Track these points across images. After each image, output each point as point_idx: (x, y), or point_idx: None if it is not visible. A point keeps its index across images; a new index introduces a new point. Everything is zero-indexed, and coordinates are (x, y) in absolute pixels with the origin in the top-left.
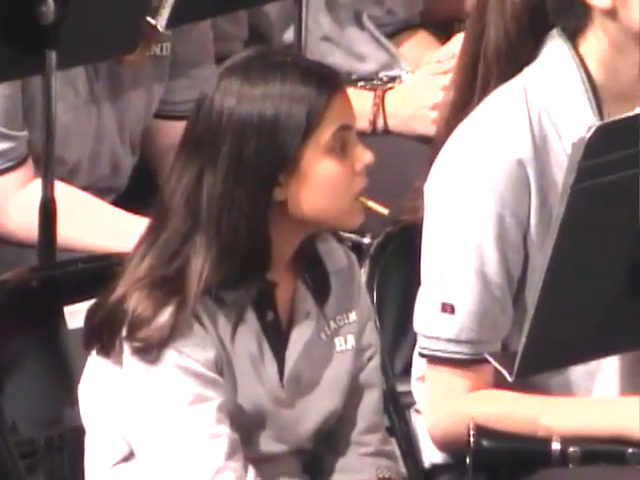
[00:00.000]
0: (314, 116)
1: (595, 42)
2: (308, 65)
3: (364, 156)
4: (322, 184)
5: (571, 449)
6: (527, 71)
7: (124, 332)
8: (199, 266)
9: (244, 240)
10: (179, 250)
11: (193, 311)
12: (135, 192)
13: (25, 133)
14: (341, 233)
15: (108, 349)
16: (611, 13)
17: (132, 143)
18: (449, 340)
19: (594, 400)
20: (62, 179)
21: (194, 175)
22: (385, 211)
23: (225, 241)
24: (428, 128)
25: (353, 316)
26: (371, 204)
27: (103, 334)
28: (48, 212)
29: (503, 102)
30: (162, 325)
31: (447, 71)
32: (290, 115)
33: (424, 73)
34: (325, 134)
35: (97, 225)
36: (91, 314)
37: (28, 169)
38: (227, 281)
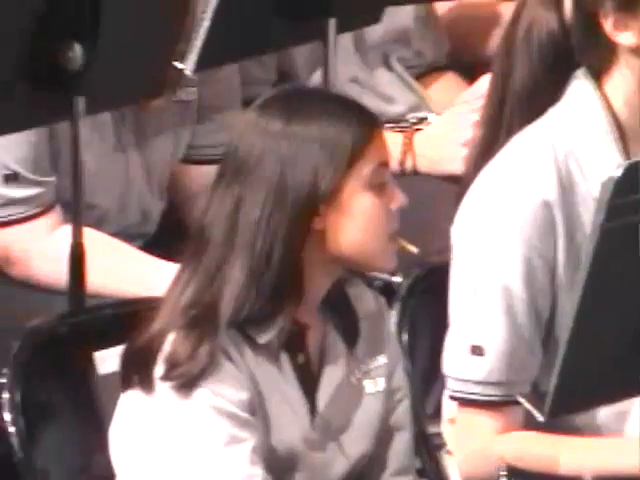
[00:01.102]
0: (357, 149)
1: (620, 80)
2: (346, 103)
3: (399, 197)
4: (360, 218)
5: None
6: (552, 111)
7: (160, 371)
8: (230, 296)
9: (276, 268)
10: (213, 282)
11: (225, 349)
12: (163, 237)
13: (53, 179)
14: (372, 273)
15: (143, 386)
16: (637, 51)
17: (160, 188)
18: (478, 382)
19: (624, 441)
20: (91, 225)
21: (232, 202)
22: (415, 250)
23: (257, 268)
24: (457, 168)
25: (383, 359)
26: (402, 242)
27: (139, 372)
28: (77, 257)
29: (529, 144)
30: (197, 365)
31: (475, 111)
32: (334, 148)
33: (452, 114)
34: (366, 168)
35: (126, 271)
36: (127, 352)
37: (56, 215)
38: (258, 317)
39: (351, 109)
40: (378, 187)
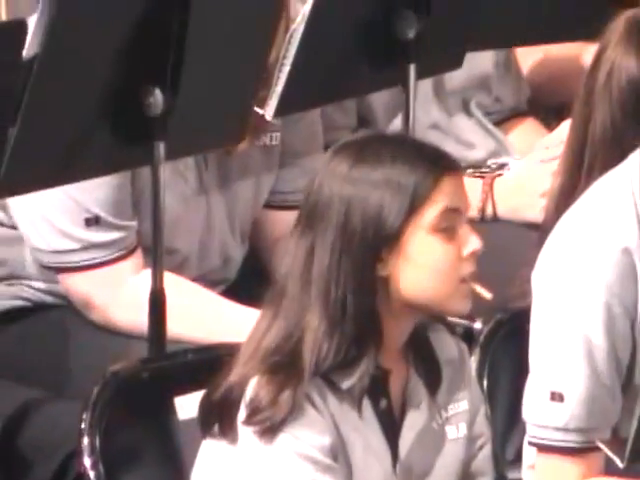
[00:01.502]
0: (418, 197)
1: None
2: (420, 147)
3: (472, 241)
4: (425, 264)
5: None
6: (632, 158)
7: (242, 416)
8: (311, 344)
9: (352, 315)
10: (294, 329)
11: (307, 395)
12: (244, 283)
13: (134, 223)
14: (452, 319)
15: (224, 432)
16: None
17: (242, 234)
18: (558, 429)
19: None
20: (172, 270)
21: (305, 251)
22: (489, 295)
23: (334, 316)
24: (537, 216)
25: (465, 404)
26: (477, 287)
27: (220, 418)
28: (158, 302)
29: (609, 190)
30: (280, 409)
31: (555, 157)
32: (395, 197)
33: (533, 160)
34: (430, 215)
35: (206, 316)
36: (207, 398)
37: (138, 259)
38: (341, 363)
39: (420, 153)
40: (445, 232)
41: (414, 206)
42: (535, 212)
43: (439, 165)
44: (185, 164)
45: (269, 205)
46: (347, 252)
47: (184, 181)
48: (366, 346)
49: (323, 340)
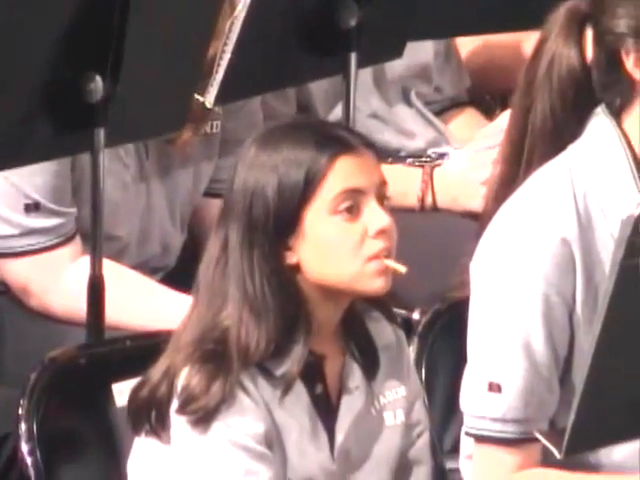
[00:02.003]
0: (312, 177)
1: (637, 115)
2: (318, 128)
3: (379, 219)
4: (326, 245)
5: None
6: (572, 148)
7: (174, 407)
8: (236, 334)
9: (273, 304)
10: (216, 320)
11: (240, 382)
12: (183, 270)
13: (74, 210)
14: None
15: (157, 428)
16: None
17: (181, 221)
18: (495, 419)
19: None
20: (112, 257)
21: (220, 243)
22: (403, 269)
23: (256, 307)
24: (477, 205)
25: (402, 391)
26: (388, 262)
27: (151, 412)
28: (96, 289)
29: (548, 181)
30: (212, 398)
31: (495, 146)
32: (289, 177)
33: (472, 149)
34: (327, 195)
35: (145, 304)
36: (135, 395)
37: (77, 246)
38: (272, 351)
39: (318, 135)
40: (347, 212)
41: (309, 185)
42: (475, 201)
43: (334, 144)
44: (126, 151)
45: (208, 193)
46: (255, 244)
47: (125, 168)
48: (295, 332)
49: (249, 331)
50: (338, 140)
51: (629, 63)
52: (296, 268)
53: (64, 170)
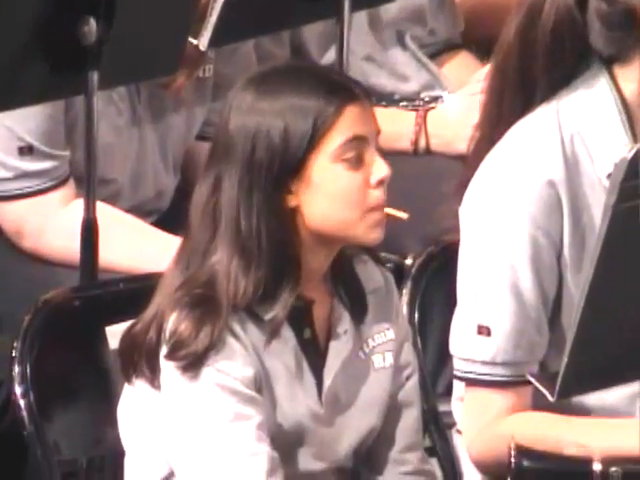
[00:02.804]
0: (321, 125)
1: (636, 68)
2: (323, 75)
3: (380, 169)
4: (330, 192)
5: (612, 469)
6: (562, 93)
7: (164, 352)
8: (225, 279)
9: (266, 248)
10: (203, 263)
11: (229, 327)
12: (176, 213)
13: (67, 153)
14: (382, 255)
15: (147, 372)
16: None
17: (174, 165)
18: (485, 362)
19: (630, 422)
20: (105, 200)
21: (211, 184)
22: (405, 215)
23: (247, 248)
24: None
25: (391, 334)
26: (389, 210)
27: (141, 355)
28: (90, 232)
29: (536, 124)
30: (201, 344)
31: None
32: (297, 124)
33: (465, 94)
34: (333, 143)
35: (138, 247)
36: (125, 338)
37: (70, 189)
38: (260, 295)
39: (324, 82)
40: (351, 160)
41: (317, 133)
42: (466, 145)
43: (342, 93)
44: (119, 95)
45: (201, 136)
46: (256, 186)
47: (117, 112)
48: (285, 277)
49: (238, 275)
50: (345, 89)
51: None
52: (295, 212)
53: (58, 113)
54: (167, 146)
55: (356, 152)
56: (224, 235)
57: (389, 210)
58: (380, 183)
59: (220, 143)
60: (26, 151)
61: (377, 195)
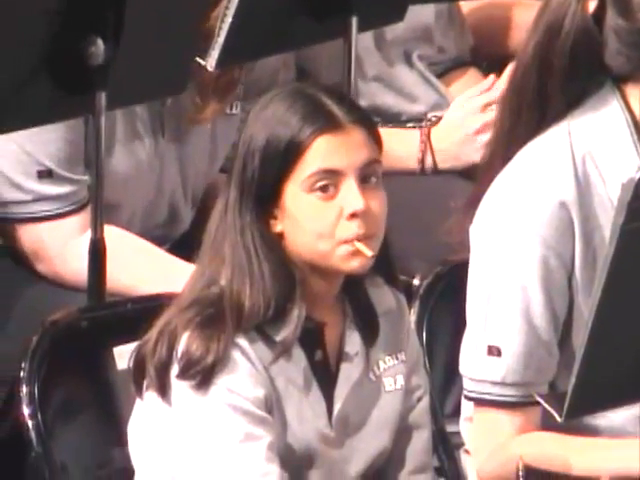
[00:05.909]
0: (291, 153)
1: None
2: (310, 100)
3: (354, 202)
4: (302, 222)
5: None
6: (574, 113)
7: (175, 371)
8: (229, 292)
9: (267, 269)
10: (214, 279)
11: (238, 345)
12: (192, 242)
13: (86, 178)
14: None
15: (159, 387)
16: None
17: (193, 198)
18: (495, 383)
19: (637, 442)
20: (116, 225)
21: (222, 205)
22: (370, 253)
23: (249, 269)
24: (476, 155)
25: (402, 357)
26: (358, 245)
27: (153, 371)
28: (97, 252)
29: (548, 145)
30: (212, 363)
31: (482, 92)
32: (274, 148)
33: (460, 101)
34: (303, 172)
35: (150, 271)
36: (138, 353)
37: (88, 215)
38: (271, 316)
39: (304, 109)
40: (323, 191)
41: (289, 159)
42: (474, 151)
43: (318, 122)
44: (144, 126)
45: (225, 170)
46: (245, 207)
47: (140, 143)
48: (292, 299)
49: (241, 290)
50: (325, 116)
51: None
52: (282, 237)
53: (77, 139)
54: (188, 180)
55: (327, 183)
56: (228, 256)
57: (359, 245)
58: (354, 216)
59: (232, 164)
60: (45, 175)
61: (350, 228)
